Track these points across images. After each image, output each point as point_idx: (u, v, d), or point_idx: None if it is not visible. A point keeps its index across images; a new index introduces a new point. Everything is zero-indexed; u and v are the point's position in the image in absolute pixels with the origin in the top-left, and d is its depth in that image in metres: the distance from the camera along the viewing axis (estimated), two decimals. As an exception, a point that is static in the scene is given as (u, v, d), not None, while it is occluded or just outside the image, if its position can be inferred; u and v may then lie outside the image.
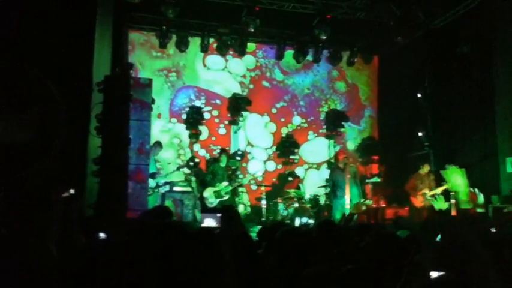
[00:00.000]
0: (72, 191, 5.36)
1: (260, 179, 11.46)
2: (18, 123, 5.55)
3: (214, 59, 11.82)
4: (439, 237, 2.94)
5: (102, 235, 3.87)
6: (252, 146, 11.91)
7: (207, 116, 11.50)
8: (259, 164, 11.82)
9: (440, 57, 10.60)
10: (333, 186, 9.00)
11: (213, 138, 11.57)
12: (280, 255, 3.29)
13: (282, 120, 12.12)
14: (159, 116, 11.12)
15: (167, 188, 9.46)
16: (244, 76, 12.10)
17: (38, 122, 5.82)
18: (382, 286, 2.33)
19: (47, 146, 5.63)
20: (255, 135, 11.98)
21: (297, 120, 12.20)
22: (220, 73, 11.95)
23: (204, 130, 11.34)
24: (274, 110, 12.09)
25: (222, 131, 11.66)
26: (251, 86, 12.09)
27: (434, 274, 2.35)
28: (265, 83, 12.19)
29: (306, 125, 12.22)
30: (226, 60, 11.92)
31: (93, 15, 7.02)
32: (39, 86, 5.79)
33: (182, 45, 11.29)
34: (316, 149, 12.19)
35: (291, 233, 3.71)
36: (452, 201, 8.96)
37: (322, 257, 3.08)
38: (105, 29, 8.36)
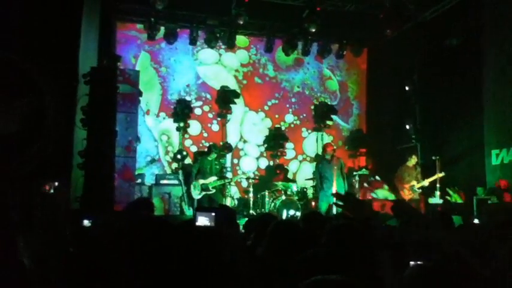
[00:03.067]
0: (56, 183, 5.36)
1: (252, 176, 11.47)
2: (6, 114, 5.52)
3: (206, 53, 11.71)
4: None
5: (86, 222, 3.87)
6: (245, 141, 11.87)
7: (198, 111, 11.45)
8: (252, 161, 11.80)
9: (429, 50, 10.64)
10: (320, 178, 9.03)
11: (205, 135, 11.50)
12: (272, 246, 3.32)
13: (276, 116, 12.09)
14: (147, 112, 11.07)
15: (153, 180, 9.48)
16: (237, 71, 12.05)
17: (25, 113, 5.79)
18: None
19: (34, 136, 5.61)
20: (249, 131, 11.93)
21: (289, 117, 12.18)
22: (214, 67, 11.87)
23: (196, 125, 11.31)
24: (266, 108, 12.06)
25: (215, 127, 11.58)
26: (244, 82, 12.05)
27: (412, 263, 2.38)
28: (257, 79, 12.16)
29: (298, 122, 12.20)
30: (220, 55, 11.82)
31: (79, 6, 6.95)
32: (26, 77, 5.75)
33: (171, 37, 11.21)
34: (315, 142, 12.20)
35: (283, 225, 3.75)
36: (438, 193, 9.10)
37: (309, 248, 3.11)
38: (92, 21, 8.29)
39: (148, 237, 1.69)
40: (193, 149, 11.32)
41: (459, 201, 8.75)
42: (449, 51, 9.98)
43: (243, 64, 12.08)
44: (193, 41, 11.44)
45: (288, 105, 12.18)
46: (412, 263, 2.40)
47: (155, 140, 11.17)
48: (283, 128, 11.93)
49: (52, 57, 6.22)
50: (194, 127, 11.35)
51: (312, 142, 12.11)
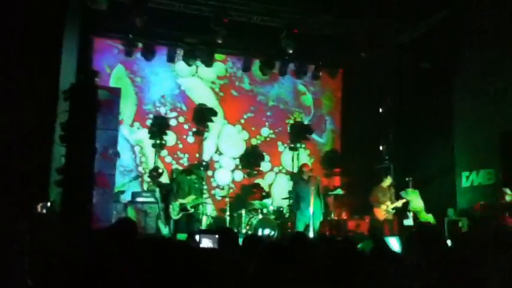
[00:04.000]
0: (48, 204, 5.26)
1: (227, 188, 11.53)
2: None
3: (183, 65, 11.67)
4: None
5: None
6: (221, 154, 11.88)
7: (173, 122, 11.43)
8: (227, 174, 11.80)
9: (403, 73, 10.99)
10: (297, 198, 9.13)
11: (180, 146, 11.47)
12: (262, 267, 3.35)
13: (253, 129, 12.20)
14: (120, 122, 10.91)
15: (129, 198, 9.35)
16: (213, 83, 12.11)
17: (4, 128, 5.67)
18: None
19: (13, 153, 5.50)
20: (225, 143, 11.96)
21: (265, 131, 12.28)
22: (190, 79, 11.89)
23: (171, 136, 11.27)
24: (242, 121, 12.15)
25: (190, 139, 11.55)
26: (221, 94, 12.13)
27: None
28: (234, 92, 12.25)
29: (274, 136, 12.31)
30: (197, 66, 11.82)
31: (61, 23, 6.90)
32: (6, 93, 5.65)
33: (148, 54, 11.20)
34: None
35: (274, 246, 3.79)
36: (411, 214, 9.32)
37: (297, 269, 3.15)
38: (71, 37, 8.22)
39: (157, 259, 1.70)
40: (168, 159, 11.26)
41: (432, 221, 8.96)
42: (423, 74, 10.33)
43: (220, 76, 12.17)
44: (171, 59, 11.46)
45: (264, 119, 12.30)
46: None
47: (131, 151, 11.06)
48: (259, 142, 12.05)
49: (32, 73, 6.14)
50: (169, 138, 11.28)
51: (289, 156, 12.22)
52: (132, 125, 11.21)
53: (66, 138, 6.42)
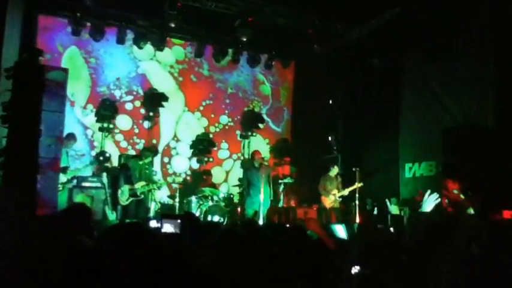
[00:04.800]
0: None
1: (183, 175, 11.44)
2: None
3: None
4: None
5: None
6: (178, 140, 11.69)
7: (129, 106, 11.14)
8: (184, 161, 11.66)
9: (353, 68, 11.27)
10: (248, 185, 9.20)
11: (136, 131, 11.16)
12: (219, 255, 3.34)
13: (212, 116, 12.09)
14: (72, 103, 10.51)
15: (74, 182, 9.04)
16: (172, 67, 11.87)
17: None
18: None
19: None
20: (183, 130, 11.77)
21: (224, 119, 12.21)
22: (148, 62, 11.57)
23: (127, 121, 11.02)
24: (201, 108, 12.02)
25: (146, 123, 11.27)
26: (180, 79, 11.91)
27: (354, 270, 2.54)
28: (193, 77, 12.06)
29: (233, 124, 12.26)
30: (155, 49, 11.50)
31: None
32: None
33: (97, 35, 10.78)
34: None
35: (229, 234, 3.78)
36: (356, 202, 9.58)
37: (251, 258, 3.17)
38: (15, 14, 7.81)
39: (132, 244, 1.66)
40: (124, 144, 10.99)
41: (397, 212, 9.24)
42: (372, 70, 10.64)
43: (179, 61, 11.96)
44: (120, 40, 11.09)
45: (223, 106, 12.22)
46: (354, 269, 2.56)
47: (84, 134, 10.68)
48: (218, 130, 12.02)
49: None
50: (125, 122, 11.02)
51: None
52: (85, 107, 10.78)
53: (8, 118, 6.12)
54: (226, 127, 12.23)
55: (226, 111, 12.24)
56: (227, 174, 12.04)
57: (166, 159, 11.51)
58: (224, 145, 12.10)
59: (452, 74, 9.21)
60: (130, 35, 11.16)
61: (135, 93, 11.31)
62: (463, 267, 2.48)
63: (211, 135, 11.78)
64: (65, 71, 7.28)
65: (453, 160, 8.32)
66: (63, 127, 7.01)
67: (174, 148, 11.65)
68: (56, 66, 8.59)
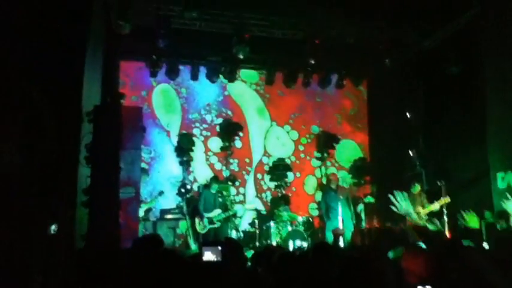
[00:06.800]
0: (53, 227, 5.34)
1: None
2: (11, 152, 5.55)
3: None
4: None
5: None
6: (270, 156, 11.90)
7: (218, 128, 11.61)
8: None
9: (430, 78, 10.77)
10: (326, 208, 9.02)
11: (229, 152, 11.51)
12: (279, 278, 3.30)
13: (303, 127, 12.27)
14: (168, 134, 11.27)
15: (158, 215, 9.43)
16: (258, 84, 12.29)
17: (30, 151, 5.83)
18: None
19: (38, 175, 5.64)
20: (273, 145, 12.03)
21: (315, 129, 12.32)
22: (235, 83, 12.01)
23: (219, 143, 11.51)
24: (291, 121, 12.25)
25: (238, 143, 11.68)
26: (267, 95, 12.28)
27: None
28: (279, 92, 12.32)
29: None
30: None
31: (83, 46, 7.08)
32: (21, 92, 5.81)
33: (172, 74, 11.38)
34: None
35: (288, 256, 3.71)
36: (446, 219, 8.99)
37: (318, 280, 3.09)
38: (96, 60, 8.43)
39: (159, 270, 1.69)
40: (218, 166, 11.41)
41: (476, 226, 8.60)
42: (451, 78, 10.08)
43: (253, 82, 12.30)
44: (194, 77, 11.59)
45: (313, 116, 12.38)
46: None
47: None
48: (309, 141, 12.15)
49: (57, 97, 6.30)
50: (217, 144, 11.52)
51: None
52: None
53: (90, 159, 6.55)
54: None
55: (318, 121, 12.28)
56: (316, 182, 11.96)
57: (259, 176, 11.68)
58: (316, 154, 12.11)
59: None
60: (203, 71, 11.66)
61: (224, 115, 11.79)
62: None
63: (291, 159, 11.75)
64: (139, 108, 7.69)
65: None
66: (140, 163, 7.37)
67: (267, 164, 11.82)
68: (130, 106, 9.11)
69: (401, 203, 8.32)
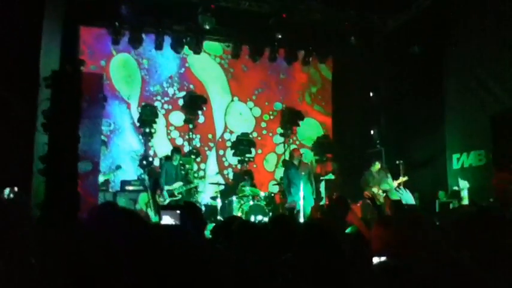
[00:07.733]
0: (16, 189, 5.16)
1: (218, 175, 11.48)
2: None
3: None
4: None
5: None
6: (232, 132, 11.70)
7: (182, 102, 11.31)
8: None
9: (393, 58, 10.92)
10: (288, 184, 9.09)
11: (191, 126, 11.26)
12: (239, 246, 3.29)
13: (266, 104, 12.11)
14: (128, 106, 10.91)
15: (118, 186, 9.28)
16: (222, 57, 11.99)
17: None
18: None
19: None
20: (235, 121, 11.82)
21: (278, 105, 12.18)
22: (199, 55, 11.58)
23: (181, 118, 11.24)
24: (254, 97, 12.07)
25: (201, 118, 11.43)
26: (231, 70, 12.01)
27: (375, 260, 2.39)
28: (244, 67, 12.10)
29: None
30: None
31: (41, 10, 6.76)
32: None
33: (136, 42, 11.02)
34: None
35: (247, 224, 3.72)
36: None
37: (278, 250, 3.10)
38: (54, 25, 8.09)
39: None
40: (179, 141, 11.16)
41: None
42: (413, 59, 10.25)
43: (226, 51, 11.99)
44: (158, 47, 11.28)
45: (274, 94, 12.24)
46: (375, 259, 2.41)
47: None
48: (271, 118, 12.03)
49: (12, 61, 6.02)
50: (178, 119, 11.24)
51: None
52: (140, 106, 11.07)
53: (48, 126, 6.32)
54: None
55: (281, 97, 12.19)
56: (278, 159, 11.97)
57: (221, 152, 11.57)
58: (279, 130, 12.04)
59: (500, 58, 8.73)
60: (167, 41, 11.36)
61: (186, 88, 11.48)
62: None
63: (253, 135, 11.76)
64: (101, 76, 7.44)
65: (504, 148, 7.87)
66: (101, 132, 7.18)
67: (229, 140, 11.67)
68: (90, 72, 8.80)
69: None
